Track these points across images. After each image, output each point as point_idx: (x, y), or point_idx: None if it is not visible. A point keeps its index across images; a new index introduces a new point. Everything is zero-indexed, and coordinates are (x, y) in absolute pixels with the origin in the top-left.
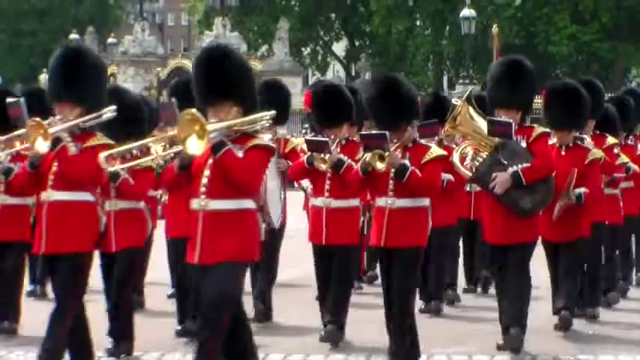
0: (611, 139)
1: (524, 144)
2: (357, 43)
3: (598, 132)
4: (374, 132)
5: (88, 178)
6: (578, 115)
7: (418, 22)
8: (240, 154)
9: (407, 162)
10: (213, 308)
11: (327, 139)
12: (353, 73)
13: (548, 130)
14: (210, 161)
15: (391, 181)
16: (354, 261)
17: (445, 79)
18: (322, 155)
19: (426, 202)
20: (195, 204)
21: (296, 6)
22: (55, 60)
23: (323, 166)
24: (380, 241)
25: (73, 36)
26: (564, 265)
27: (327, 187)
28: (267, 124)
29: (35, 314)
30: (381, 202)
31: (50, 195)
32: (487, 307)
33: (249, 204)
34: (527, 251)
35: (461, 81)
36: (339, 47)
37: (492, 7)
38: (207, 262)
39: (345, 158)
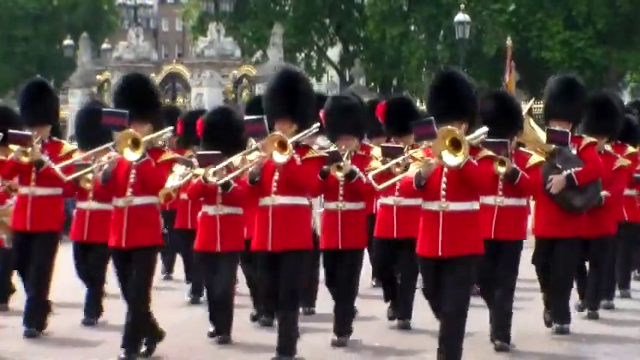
0: (630, 149)
1: (574, 151)
2: (351, 49)
3: (619, 141)
4: (496, 140)
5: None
6: (611, 123)
7: (412, 27)
8: (298, 160)
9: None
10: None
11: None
12: (347, 79)
13: (595, 139)
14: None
15: (501, 182)
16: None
17: None
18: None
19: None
20: (267, 200)
21: (290, 11)
22: (122, 86)
23: (339, 174)
24: (491, 233)
25: (67, 42)
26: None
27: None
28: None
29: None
30: (489, 200)
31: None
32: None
33: (305, 201)
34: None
35: None
36: (334, 53)
37: (487, 12)
38: (279, 249)
39: (357, 169)
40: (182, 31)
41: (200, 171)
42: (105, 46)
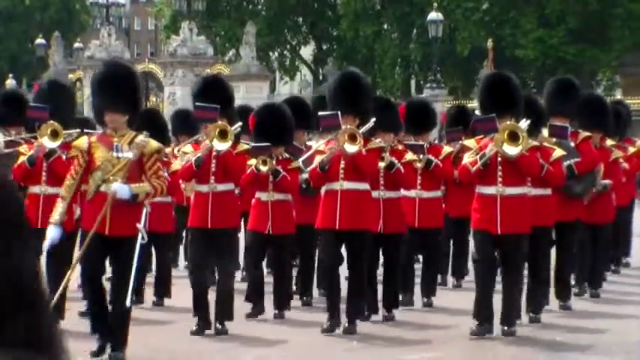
0: (631, 149)
1: (572, 144)
2: (324, 47)
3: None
4: (560, 124)
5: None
6: (603, 120)
7: (385, 26)
8: (363, 150)
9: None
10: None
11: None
12: (320, 77)
13: (590, 134)
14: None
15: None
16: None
17: (413, 82)
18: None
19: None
20: (336, 185)
21: (263, 10)
22: (200, 85)
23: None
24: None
25: (39, 41)
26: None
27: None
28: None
29: None
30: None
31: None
32: (458, 310)
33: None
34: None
35: (429, 85)
36: (307, 51)
37: (460, 10)
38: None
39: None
40: (154, 30)
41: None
42: (77, 45)
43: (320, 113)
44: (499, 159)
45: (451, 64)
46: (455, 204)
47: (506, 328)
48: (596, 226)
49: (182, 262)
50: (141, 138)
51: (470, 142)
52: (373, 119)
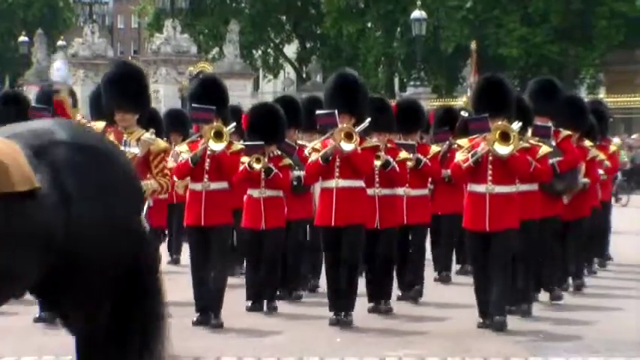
0: (612, 147)
1: (553, 143)
2: (308, 45)
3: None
4: (542, 124)
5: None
6: (582, 121)
7: (369, 24)
8: (359, 149)
9: None
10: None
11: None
12: (304, 75)
13: (570, 132)
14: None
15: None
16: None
17: (397, 80)
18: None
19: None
20: (332, 183)
21: (246, 8)
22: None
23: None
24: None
25: (22, 38)
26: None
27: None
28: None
29: None
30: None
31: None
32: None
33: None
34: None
35: (412, 83)
36: (290, 49)
37: (444, 9)
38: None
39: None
40: (138, 28)
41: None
42: (60, 42)
43: (317, 112)
44: (490, 158)
45: (435, 63)
46: (442, 202)
47: (497, 317)
48: (569, 223)
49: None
50: (147, 136)
51: (462, 141)
52: (368, 119)
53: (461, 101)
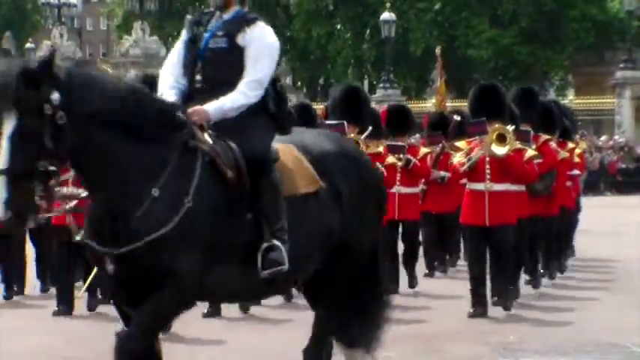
0: (570, 144)
1: (533, 146)
2: None
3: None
4: (523, 129)
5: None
6: (554, 125)
7: (338, 26)
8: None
9: None
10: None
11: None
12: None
13: (549, 136)
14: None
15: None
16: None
17: (366, 82)
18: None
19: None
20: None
21: None
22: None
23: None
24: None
25: None
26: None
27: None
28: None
29: None
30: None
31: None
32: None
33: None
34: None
35: (382, 85)
36: None
37: (413, 11)
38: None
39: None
40: (107, 30)
41: None
42: (28, 45)
43: (327, 122)
44: (487, 159)
45: (404, 65)
46: (434, 200)
47: (496, 298)
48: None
49: None
50: None
51: (461, 144)
52: (370, 127)
53: (430, 103)
